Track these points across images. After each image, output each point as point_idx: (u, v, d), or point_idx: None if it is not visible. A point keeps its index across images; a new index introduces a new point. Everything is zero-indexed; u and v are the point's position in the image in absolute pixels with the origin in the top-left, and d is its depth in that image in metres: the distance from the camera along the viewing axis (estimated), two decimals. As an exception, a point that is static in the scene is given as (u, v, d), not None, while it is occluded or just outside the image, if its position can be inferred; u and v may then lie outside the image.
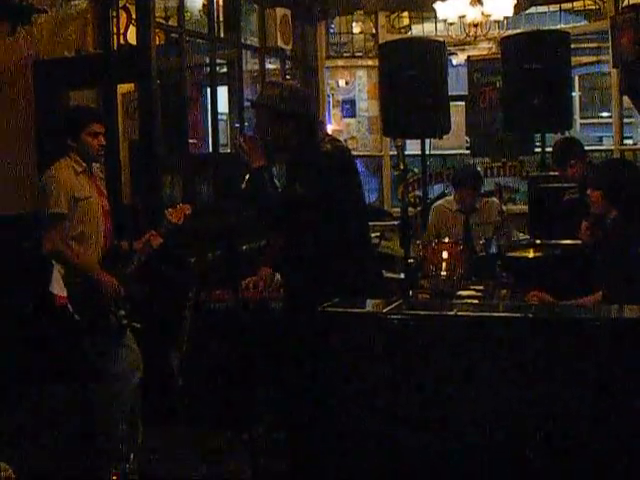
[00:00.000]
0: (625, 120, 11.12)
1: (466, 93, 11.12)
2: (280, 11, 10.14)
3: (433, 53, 7.70)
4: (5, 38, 6.79)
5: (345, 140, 10.39)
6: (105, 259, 5.24)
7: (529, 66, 7.51)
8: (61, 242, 5.11)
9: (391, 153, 11.48)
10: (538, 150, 8.81)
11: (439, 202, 8.02)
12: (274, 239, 5.90)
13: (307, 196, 4.51)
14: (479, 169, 9.83)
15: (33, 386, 6.12)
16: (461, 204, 7.61)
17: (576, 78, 15.77)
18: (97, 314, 5.12)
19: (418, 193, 10.65)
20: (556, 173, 6.90)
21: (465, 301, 5.42)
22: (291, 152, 4.78)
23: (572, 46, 8.01)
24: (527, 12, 11.46)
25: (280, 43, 10.19)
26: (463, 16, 9.89)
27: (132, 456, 5.33)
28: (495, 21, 10.14)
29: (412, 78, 7.42)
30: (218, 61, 9.41)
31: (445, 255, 6.06)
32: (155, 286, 6.43)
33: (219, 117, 9.27)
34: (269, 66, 10.58)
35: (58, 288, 5.11)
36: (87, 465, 5.37)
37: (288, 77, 10.77)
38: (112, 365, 5.27)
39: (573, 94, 11.79)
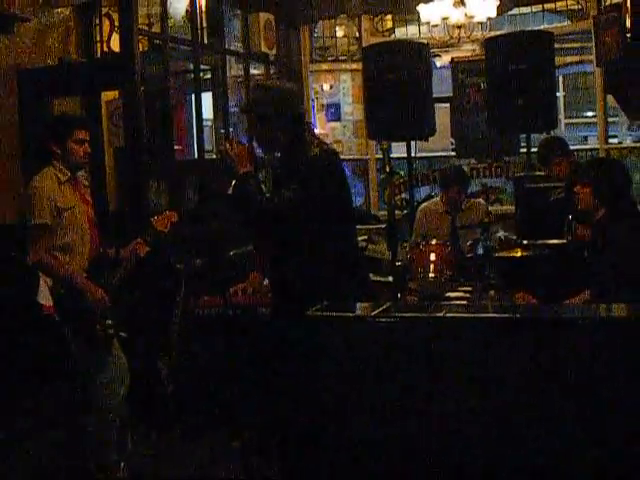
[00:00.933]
0: (610, 119, 11.14)
1: (451, 95, 11.13)
2: (263, 16, 10.14)
3: (417, 55, 7.71)
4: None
5: (330, 144, 10.38)
6: (91, 268, 5.23)
7: (513, 67, 7.53)
8: (45, 253, 5.08)
9: (377, 156, 11.48)
10: (523, 150, 8.83)
11: (425, 204, 8.03)
12: (261, 244, 5.89)
13: (295, 201, 4.50)
14: (468, 175, 9.84)
15: (20, 395, 6.10)
16: (448, 205, 7.61)
17: (560, 78, 15.80)
18: (84, 324, 5.10)
19: (405, 196, 10.66)
20: (542, 173, 6.92)
21: (453, 302, 5.43)
22: (280, 153, 4.79)
23: (556, 46, 8.03)
24: (510, 13, 11.47)
25: (264, 48, 10.19)
26: (446, 18, 9.89)
27: (122, 464, 5.32)
28: (478, 22, 10.17)
29: (396, 81, 7.44)
30: (202, 67, 9.39)
31: (433, 257, 6.06)
32: (143, 293, 6.41)
33: (204, 123, 9.26)
34: (253, 71, 10.58)
35: (45, 298, 5.10)
36: (76, 473, 5.36)
37: (275, 76, 10.75)
38: (99, 374, 5.25)
39: (557, 94, 11.81)
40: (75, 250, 5.19)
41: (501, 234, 6.78)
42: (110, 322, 5.18)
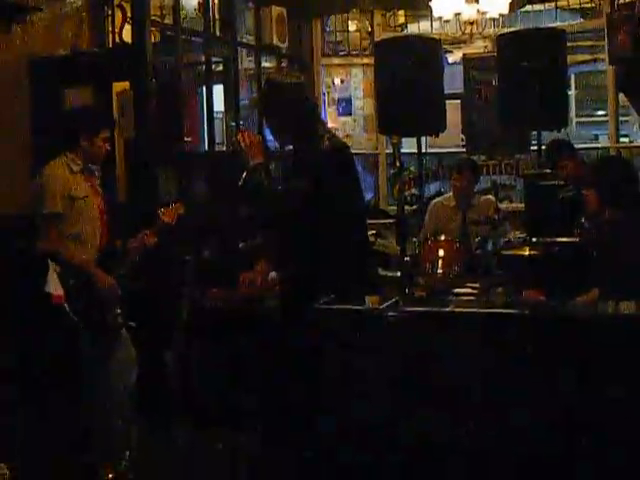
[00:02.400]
0: (621, 118, 11.09)
1: (462, 91, 11.11)
2: (276, 9, 10.12)
3: (429, 51, 7.67)
4: (0, 36, 6.78)
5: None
6: (100, 258, 5.24)
7: (525, 64, 7.50)
8: (57, 241, 5.11)
9: (387, 151, 11.46)
10: (534, 148, 8.81)
11: (437, 199, 8.09)
12: (271, 236, 5.89)
13: (305, 193, 4.51)
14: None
15: (29, 385, 6.11)
16: (459, 193, 7.70)
17: (572, 76, 15.76)
18: (93, 313, 5.11)
19: (414, 191, 10.65)
20: (550, 171, 6.90)
21: (461, 298, 5.43)
22: (292, 146, 4.80)
23: (568, 44, 8.00)
24: (523, 10, 11.42)
25: (276, 41, 10.17)
26: (459, 14, 9.86)
27: (127, 454, 5.33)
28: (491, 19, 10.12)
29: (408, 76, 7.40)
30: (214, 59, 9.38)
31: (441, 253, 6.05)
32: (150, 284, 6.42)
33: (215, 115, 9.25)
34: (265, 64, 10.56)
35: (54, 287, 5.10)
36: (82, 463, 5.37)
37: (286, 69, 10.73)
38: (108, 363, 5.26)
39: (569, 92, 11.78)
40: (85, 240, 5.24)
41: (510, 235, 6.79)
42: (119, 311, 5.23)
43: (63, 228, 5.16)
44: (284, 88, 4.78)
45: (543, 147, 7.71)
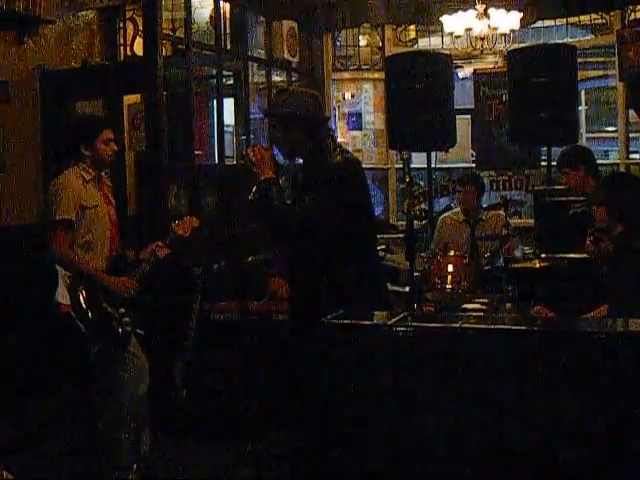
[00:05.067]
0: (631, 135, 11.08)
1: (472, 106, 11.12)
2: (287, 23, 10.16)
3: (439, 66, 7.70)
4: (12, 48, 6.82)
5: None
6: (110, 268, 5.25)
7: (535, 80, 7.51)
8: (69, 249, 5.12)
9: (397, 166, 11.47)
10: (544, 164, 8.80)
11: (446, 214, 8.11)
12: (282, 251, 5.90)
13: (316, 208, 4.50)
14: (485, 182, 9.85)
15: (38, 394, 6.12)
16: (465, 206, 7.72)
17: (582, 92, 15.76)
18: (101, 321, 5.11)
19: (424, 206, 10.65)
20: (562, 187, 6.90)
21: (470, 314, 5.42)
22: (302, 160, 4.79)
23: (578, 60, 8.01)
24: (534, 26, 11.44)
25: (286, 55, 10.21)
26: (470, 29, 9.87)
27: (135, 466, 5.32)
28: (502, 34, 10.13)
29: (418, 91, 7.42)
30: (224, 73, 9.41)
31: (450, 268, 6.07)
32: (160, 296, 6.43)
33: (225, 129, 9.27)
34: (275, 78, 10.59)
35: (63, 296, 5.11)
36: (90, 474, 5.37)
37: (297, 83, 10.76)
38: (118, 373, 5.26)
39: (579, 108, 11.78)
40: (96, 249, 5.23)
41: (519, 252, 6.78)
42: (128, 320, 5.20)
43: (74, 236, 5.16)
44: (297, 98, 4.77)
45: (553, 162, 7.71)
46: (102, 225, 5.27)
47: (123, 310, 5.19)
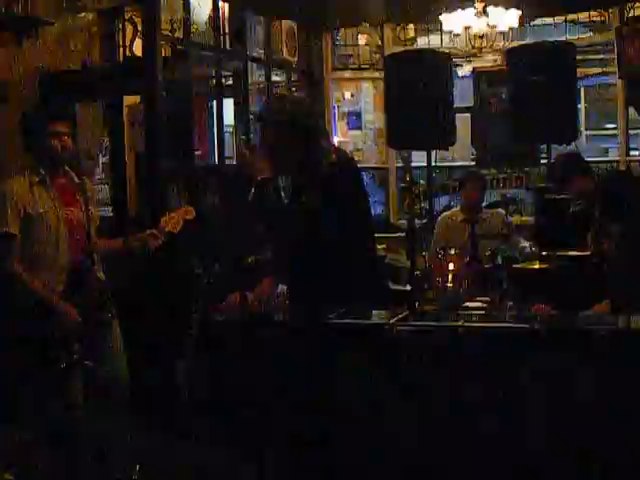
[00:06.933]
0: (631, 132, 11.07)
1: (472, 104, 11.12)
2: (286, 23, 10.17)
3: (439, 65, 7.69)
4: (11, 49, 6.81)
5: (351, 152, 10.35)
6: (73, 280, 4.88)
7: (534, 77, 7.50)
8: (16, 264, 4.77)
9: (397, 165, 11.46)
10: (544, 161, 8.80)
11: (446, 213, 8.11)
12: (279, 251, 5.89)
13: (313, 208, 4.50)
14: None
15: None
16: (466, 204, 7.74)
17: (582, 90, 15.76)
18: (44, 348, 4.77)
19: (424, 205, 10.64)
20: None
21: (471, 312, 5.42)
22: (296, 166, 4.77)
23: (578, 58, 8.00)
24: (532, 24, 11.45)
25: (286, 55, 10.22)
26: (468, 28, 9.87)
27: (137, 468, 5.29)
28: (500, 32, 10.12)
29: (418, 90, 7.41)
30: (224, 73, 9.40)
31: (451, 267, 6.05)
32: (160, 296, 6.42)
33: (225, 129, 9.26)
34: (275, 78, 10.58)
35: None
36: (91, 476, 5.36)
37: (294, 89, 10.75)
38: (61, 399, 4.90)
39: (579, 106, 11.77)
40: (44, 263, 4.84)
41: (526, 245, 6.78)
42: (76, 348, 4.79)
43: (21, 250, 4.78)
44: (287, 103, 4.76)
45: (553, 160, 7.71)
46: (54, 234, 4.85)
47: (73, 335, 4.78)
